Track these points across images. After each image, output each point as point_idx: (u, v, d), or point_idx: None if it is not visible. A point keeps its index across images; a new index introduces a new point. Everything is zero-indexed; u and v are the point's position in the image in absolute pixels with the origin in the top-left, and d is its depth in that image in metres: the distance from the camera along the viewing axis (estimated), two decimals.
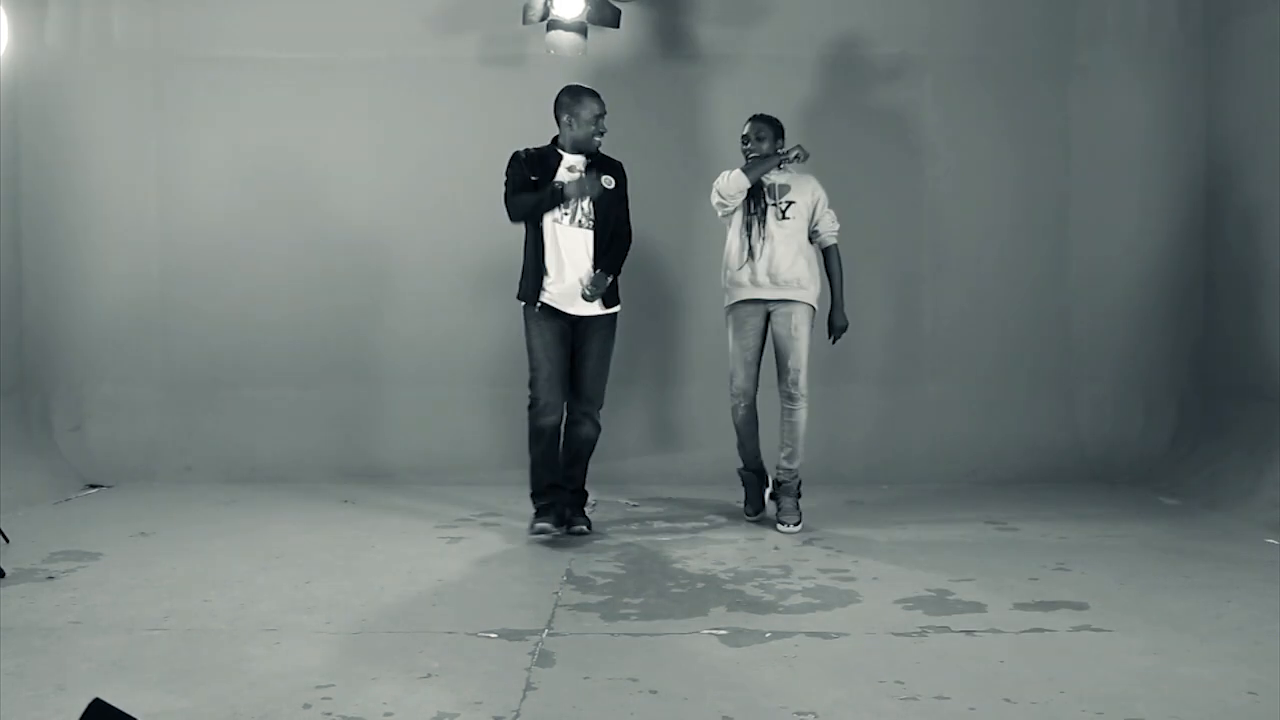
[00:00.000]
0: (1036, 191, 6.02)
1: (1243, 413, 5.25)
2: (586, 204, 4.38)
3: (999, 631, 3.13)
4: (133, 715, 2.03)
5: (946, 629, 3.15)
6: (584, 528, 4.47)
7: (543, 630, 3.14)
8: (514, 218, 4.42)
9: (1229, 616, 3.29)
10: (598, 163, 4.48)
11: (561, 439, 4.47)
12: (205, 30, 5.93)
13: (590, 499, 4.67)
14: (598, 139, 4.46)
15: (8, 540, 4.19)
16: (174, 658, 2.91)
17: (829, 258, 4.67)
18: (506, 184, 4.42)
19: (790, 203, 4.57)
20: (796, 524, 4.50)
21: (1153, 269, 5.91)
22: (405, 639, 3.06)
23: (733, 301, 4.60)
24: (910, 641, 3.04)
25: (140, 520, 4.74)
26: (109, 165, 5.91)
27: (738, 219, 4.59)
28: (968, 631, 3.13)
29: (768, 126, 4.61)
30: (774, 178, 4.62)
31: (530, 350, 4.40)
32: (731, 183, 4.52)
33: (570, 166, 4.43)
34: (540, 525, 4.32)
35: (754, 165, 4.53)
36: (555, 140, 4.50)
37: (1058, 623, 3.21)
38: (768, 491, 4.73)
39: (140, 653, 2.94)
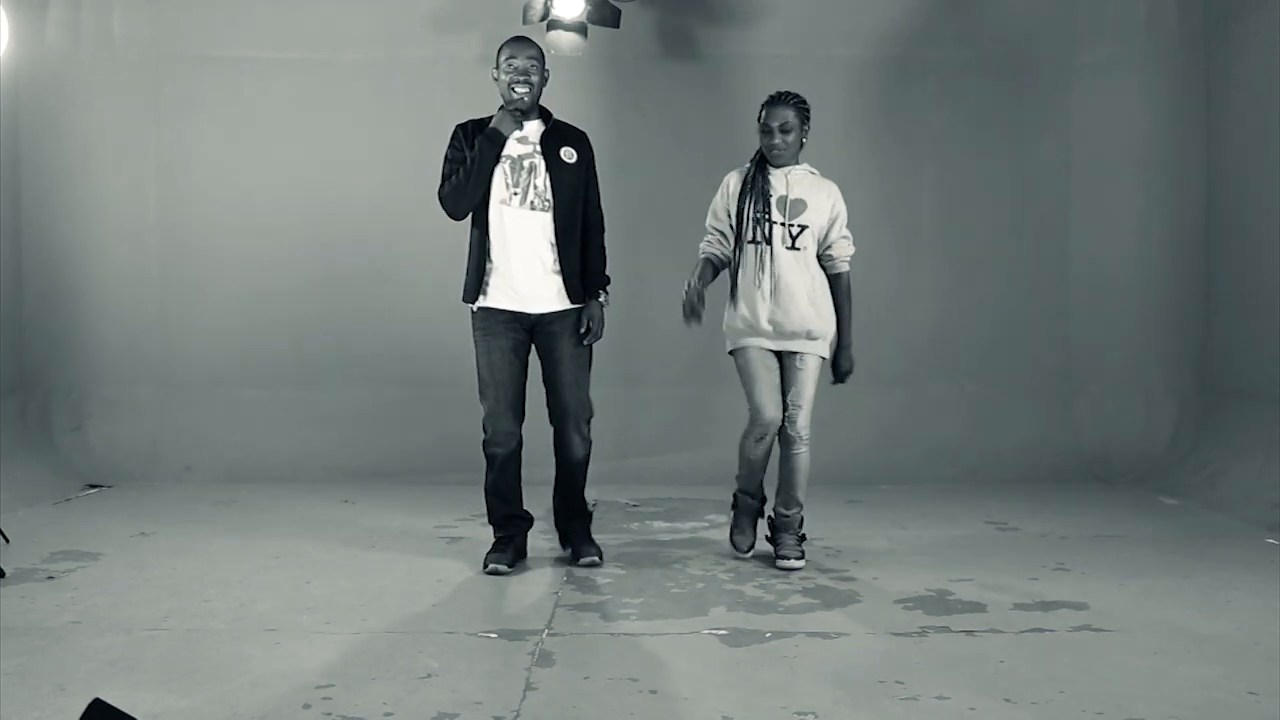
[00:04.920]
0: (1037, 190, 6.03)
1: (1243, 412, 5.25)
2: (541, 182, 3.78)
3: (999, 631, 3.13)
4: (133, 715, 2.03)
5: (947, 629, 3.15)
6: (595, 559, 3.94)
7: (543, 630, 3.14)
8: (451, 208, 3.77)
9: (1229, 616, 3.29)
10: (554, 130, 3.88)
11: (526, 462, 3.96)
12: (205, 30, 5.94)
13: (590, 501, 4.60)
14: (516, 88, 3.75)
15: (8, 540, 4.19)
16: (174, 658, 2.91)
17: (837, 288, 3.94)
18: (443, 168, 3.80)
19: (804, 227, 3.85)
20: (799, 559, 3.91)
21: (1153, 268, 5.91)
22: (405, 639, 3.06)
23: (734, 348, 3.96)
24: (910, 642, 3.05)
25: (140, 520, 4.74)
26: (109, 165, 5.92)
27: (741, 242, 3.90)
28: (968, 631, 3.13)
29: (794, 114, 3.85)
30: (785, 189, 3.87)
31: (477, 367, 3.83)
32: (706, 242, 4.00)
33: (521, 138, 3.83)
34: (492, 565, 3.83)
35: (699, 272, 3.91)
36: (502, 107, 3.87)
37: (1058, 623, 3.21)
38: (762, 527, 4.11)
39: (140, 653, 2.94)
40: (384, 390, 5.97)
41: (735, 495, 4.11)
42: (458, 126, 3.91)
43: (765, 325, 3.87)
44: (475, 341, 3.86)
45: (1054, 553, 4.12)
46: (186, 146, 5.95)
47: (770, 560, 3.99)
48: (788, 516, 3.99)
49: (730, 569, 3.88)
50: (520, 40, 3.88)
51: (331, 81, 5.95)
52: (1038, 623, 3.21)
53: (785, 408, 3.91)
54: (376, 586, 3.66)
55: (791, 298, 3.85)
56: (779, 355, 3.94)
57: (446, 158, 3.86)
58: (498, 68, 3.85)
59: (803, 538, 4.03)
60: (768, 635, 3.09)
